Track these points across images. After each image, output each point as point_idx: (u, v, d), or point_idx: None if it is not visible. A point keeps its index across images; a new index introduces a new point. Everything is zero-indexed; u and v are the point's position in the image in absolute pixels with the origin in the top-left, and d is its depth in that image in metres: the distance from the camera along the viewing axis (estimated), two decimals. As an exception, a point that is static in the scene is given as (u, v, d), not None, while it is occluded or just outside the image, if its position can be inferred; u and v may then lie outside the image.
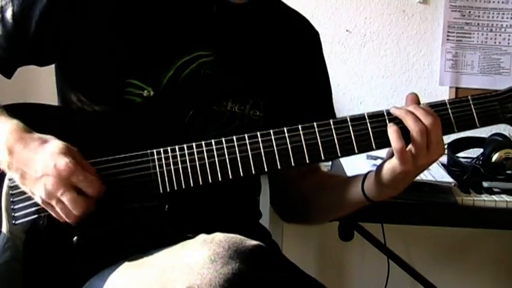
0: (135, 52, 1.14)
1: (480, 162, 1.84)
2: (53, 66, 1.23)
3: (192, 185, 1.07)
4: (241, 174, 1.06)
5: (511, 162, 1.80)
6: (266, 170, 1.08)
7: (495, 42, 2.26)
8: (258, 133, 1.07)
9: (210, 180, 1.06)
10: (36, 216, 1.08)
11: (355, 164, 1.79)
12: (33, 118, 1.10)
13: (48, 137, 1.05)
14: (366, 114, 1.08)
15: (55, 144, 1.02)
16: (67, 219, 1.03)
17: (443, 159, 1.97)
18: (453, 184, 1.70)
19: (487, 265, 2.41)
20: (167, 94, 1.15)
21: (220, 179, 1.06)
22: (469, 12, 2.26)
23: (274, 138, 1.07)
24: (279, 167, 1.08)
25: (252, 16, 1.24)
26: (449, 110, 1.08)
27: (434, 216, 1.71)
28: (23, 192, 1.07)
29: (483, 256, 2.40)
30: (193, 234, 0.99)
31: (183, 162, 1.06)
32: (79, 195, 1.01)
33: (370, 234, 2.16)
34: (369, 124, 1.07)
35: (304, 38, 1.33)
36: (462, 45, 2.27)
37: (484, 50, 2.27)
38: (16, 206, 1.09)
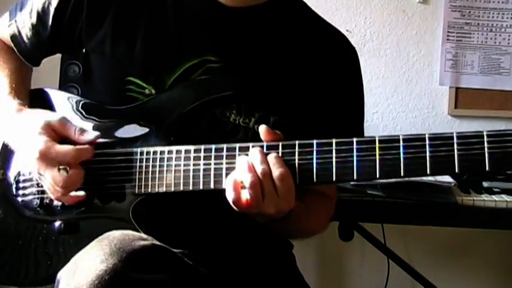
0: (136, 51, 1.15)
1: (480, 162, 1.84)
2: (54, 59, 1.29)
3: (172, 190, 1.04)
4: (223, 186, 0.99)
5: (511, 162, 1.80)
6: None
7: (495, 42, 2.26)
8: (250, 144, 0.99)
9: (190, 188, 1.02)
10: (32, 197, 1.14)
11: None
12: (43, 102, 1.19)
13: (34, 115, 1.10)
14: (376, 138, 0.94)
15: (36, 124, 1.07)
16: (54, 196, 1.07)
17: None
18: (453, 184, 1.70)
19: (487, 265, 2.41)
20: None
21: (201, 187, 1.01)
22: (469, 12, 2.26)
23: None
24: None
25: (270, 23, 1.18)
26: (455, 146, 0.90)
27: (434, 216, 1.71)
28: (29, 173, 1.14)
29: (483, 256, 2.40)
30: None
31: (168, 166, 1.04)
32: (59, 171, 1.03)
33: (370, 234, 2.16)
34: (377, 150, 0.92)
35: (338, 54, 1.22)
36: (462, 45, 2.27)
37: (484, 50, 2.27)
38: (20, 185, 1.16)
